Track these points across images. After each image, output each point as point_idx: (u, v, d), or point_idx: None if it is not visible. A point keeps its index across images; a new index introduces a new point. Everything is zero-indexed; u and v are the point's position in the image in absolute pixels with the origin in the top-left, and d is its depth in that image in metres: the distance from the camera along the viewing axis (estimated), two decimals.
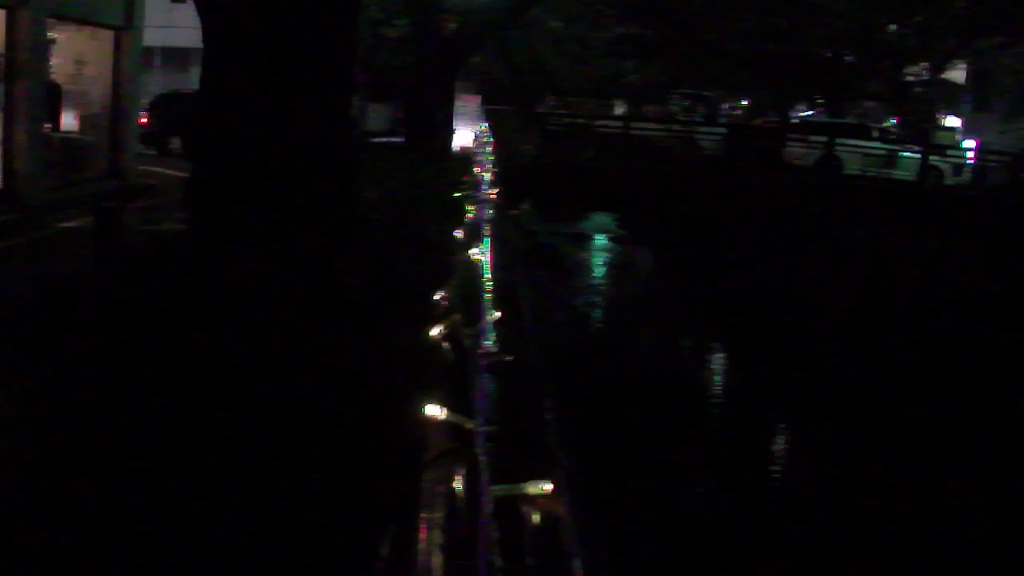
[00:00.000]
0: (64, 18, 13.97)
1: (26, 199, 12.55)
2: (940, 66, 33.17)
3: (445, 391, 4.95)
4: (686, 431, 11.41)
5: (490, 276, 7.14)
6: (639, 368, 13.49)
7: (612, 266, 22.67)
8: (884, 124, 34.58)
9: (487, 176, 14.05)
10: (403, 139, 22.38)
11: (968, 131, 35.44)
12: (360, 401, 4.87)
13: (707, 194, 21.89)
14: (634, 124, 28.24)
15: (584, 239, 24.51)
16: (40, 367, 5.21)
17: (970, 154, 30.28)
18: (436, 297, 7.04)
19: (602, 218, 25.32)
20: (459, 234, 9.55)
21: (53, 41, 13.77)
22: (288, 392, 4.77)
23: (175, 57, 30.31)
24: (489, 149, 18.85)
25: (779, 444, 11.81)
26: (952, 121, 38.67)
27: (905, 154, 25.49)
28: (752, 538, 8.54)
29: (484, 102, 30.16)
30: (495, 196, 13.02)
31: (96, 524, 3.72)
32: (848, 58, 31.87)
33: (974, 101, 35.35)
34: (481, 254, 7.91)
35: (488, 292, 6.48)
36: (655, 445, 10.43)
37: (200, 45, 6.14)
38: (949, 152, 28.66)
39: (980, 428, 12.04)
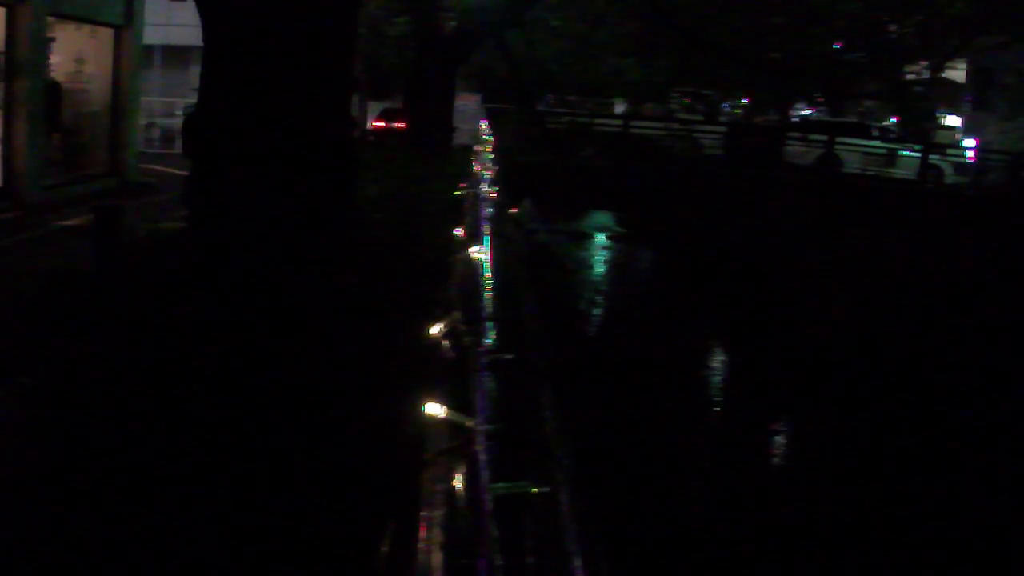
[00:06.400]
0: (64, 16, 13.97)
1: (26, 197, 12.55)
2: (940, 65, 33.17)
3: (445, 390, 4.94)
4: (686, 430, 11.42)
5: (490, 275, 7.13)
6: (639, 366, 13.50)
7: (612, 264, 22.67)
8: (884, 123, 34.56)
9: (487, 175, 14.03)
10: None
11: (968, 130, 35.45)
12: (359, 399, 4.87)
13: (707, 193, 21.89)
14: (634, 123, 28.23)
15: (584, 238, 24.52)
16: (40, 366, 5.21)
17: (970, 153, 30.28)
18: (435, 295, 7.05)
19: (602, 217, 25.33)
20: (459, 232, 9.54)
21: (53, 39, 13.76)
22: (287, 391, 4.77)
23: (175, 55, 30.26)
24: (489, 148, 18.82)
25: (779, 442, 11.82)
26: (952, 120, 38.66)
27: (905, 153, 25.48)
28: (752, 536, 8.54)
29: (484, 100, 30.15)
30: (495, 195, 12.99)
31: (96, 523, 3.72)
32: (848, 57, 31.86)
33: (974, 100, 35.35)
34: (481, 253, 7.90)
35: (488, 291, 6.48)
36: (655, 444, 10.44)
37: (200, 43, 6.14)
38: (949, 151, 28.65)
39: (979, 425, 12.04)
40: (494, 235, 8.47)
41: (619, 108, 38.98)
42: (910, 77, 33.69)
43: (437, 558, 3.50)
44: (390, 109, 29.44)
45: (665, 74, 34.11)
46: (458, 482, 4.11)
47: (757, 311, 17.43)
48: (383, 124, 28.29)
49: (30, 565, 3.54)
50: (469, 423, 4.18)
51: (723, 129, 30.14)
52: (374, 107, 31.96)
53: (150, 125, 23.84)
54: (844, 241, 20.67)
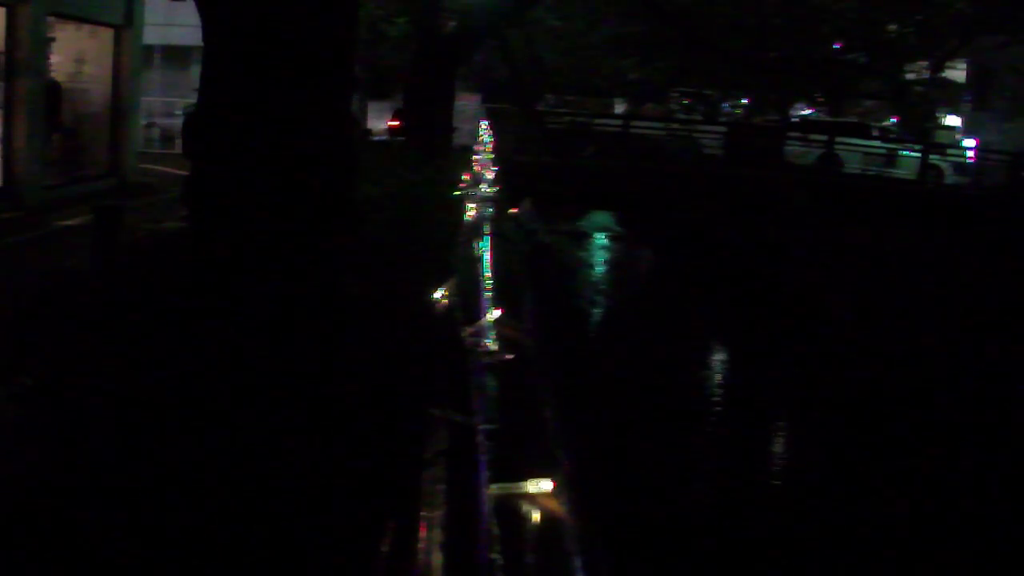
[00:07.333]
0: (64, 16, 13.97)
1: (26, 197, 12.55)
2: (940, 65, 33.15)
3: (445, 390, 4.95)
4: (686, 430, 11.42)
5: (490, 275, 7.14)
6: (639, 366, 13.50)
7: (611, 264, 22.68)
8: (884, 123, 34.54)
9: (487, 175, 14.05)
10: (403, 137, 22.47)
11: (968, 130, 35.43)
12: (359, 399, 4.87)
13: (707, 193, 21.90)
14: (634, 123, 28.24)
15: (584, 238, 24.52)
16: (40, 366, 5.21)
17: (970, 153, 30.27)
18: (436, 296, 7.05)
19: (602, 217, 25.32)
20: (460, 232, 9.56)
21: (53, 39, 13.76)
22: (287, 391, 4.77)
23: (175, 55, 30.21)
24: (489, 148, 18.84)
25: (779, 443, 11.82)
26: (952, 120, 38.64)
27: (905, 153, 25.48)
28: (752, 537, 8.54)
29: (484, 101, 30.17)
30: (495, 195, 13.01)
31: (96, 522, 3.71)
32: (848, 57, 31.85)
33: (974, 100, 35.33)
34: (481, 253, 7.92)
35: (488, 290, 6.49)
36: (655, 444, 10.44)
37: (200, 43, 6.14)
38: (949, 151, 28.65)
39: (980, 426, 12.04)
40: (494, 235, 8.48)
41: (619, 108, 38.97)
42: (910, 77, 33.66)
43: (437, 558, 3.50)
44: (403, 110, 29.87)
45: (665, 74, 34.09)
46: (458, 482, 4.11)
47: (757, 311, 17.43)
48: (398, 123, 28.67)
49: (31, 564, 3.54)
50: (469, 423, 4.19)
51: (723, 129, 30.13)
52: (374, 107, 32.01)
53: (150, 125, 23.85)
54: (844, 241, 20.66)
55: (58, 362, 5.19)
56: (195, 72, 8.93)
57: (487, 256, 7.73)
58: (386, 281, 7.21)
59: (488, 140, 19.94)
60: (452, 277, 7.65)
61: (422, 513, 3.87)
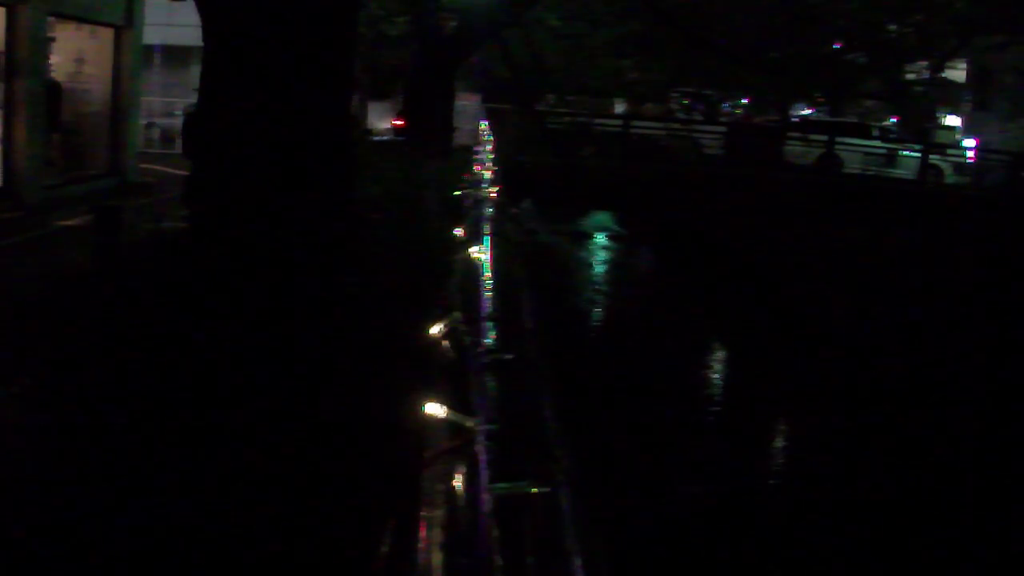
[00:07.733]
0: (64, 16, 13.97)
1: (26, 197, 12.55)
2: (940, 65, 33.16)
3: (445, 390, 4.95)
4: (687, 429, 11.42)
5: (490, 275, 7.12)
6: (639, 366, 13.50)
7: (611, 264, 22.68)
8: (884, 123, 34.55)
9: (487, 175, 14.02)
10: (403, 137, 22.48)
11: (968, 130, 35.44)
12: (359, 399, 4.87)
13: (706, 193, 21.89)
14: (634, 123, 28.23)
15: (584, 237, 24.51)
16: (40, 366, 5.21)
17: (970, 153, 30.29)
18: (437, 295, 7.05)
19: (602, 217, 25.31)
20: (459, 232, 9.54)
21: (53, 39, 13.76)
22: (287, 390, 4.77)
23: (175, 55, 30.20)
24: (489, 148, 18.80)
25: (779, 442, 11.83)
26: (952, 120, 38.66)
27: (905, 153, 25.49)
28: (752, 536, 8.55)
29: (484, 101, 30.13)
30: (495, 195, 12.99)
31: (96, 522, 3.71)
32: (848, 56, 31.86)
33: (974, 100, 35.33)
34: (481, 253, 7.90)
35: (488, 291, 6.47)
36: (655, 444, 10.44)
37: (200, 43, 6.15)
38: (949, 151, 28.67)
39: (980, 425, 12.06)
40: (494, 235, 8.46)
41: (619, 108, 38.96)
42: (910, 77, 33.66)
43: (437, 558, 3.50)
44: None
45: (665, 74, 34.08)
46: (458, 482, 4.11)
47: (756, 311, 17.43)
48: (402, 123, 28.67)
49: (31, 564, 3.54)
50: (469, 423, 4.18)
51: (723, 129, 30.13)
52: (374, 107, 32.02)
53: (150, 125, 23.84)
54: (844, 241, 20.66)
55: (58, 362, 5.19)
56: (195, 72, 8.92)
57: (487, 256, 7.72)
58: (386, 280, 7.21)
59: (488, 140, 19.92)
60: (452, 277, 7.65)
61: (422, 513, 3.88)
